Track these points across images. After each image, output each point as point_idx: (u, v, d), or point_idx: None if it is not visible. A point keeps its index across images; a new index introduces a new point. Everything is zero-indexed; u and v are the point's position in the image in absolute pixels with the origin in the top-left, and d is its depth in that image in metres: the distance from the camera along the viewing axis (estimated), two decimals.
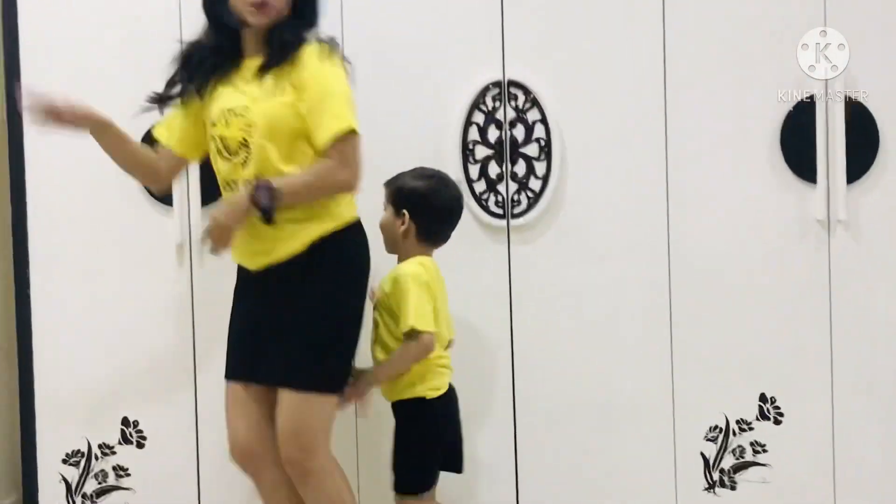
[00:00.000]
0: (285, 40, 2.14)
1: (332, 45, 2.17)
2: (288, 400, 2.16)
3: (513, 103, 2.65)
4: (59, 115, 2.11)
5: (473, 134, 2.65)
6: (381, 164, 2.54)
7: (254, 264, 2.20)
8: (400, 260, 2.41)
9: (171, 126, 2.28)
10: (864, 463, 2.74)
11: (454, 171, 2.67)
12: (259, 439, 2.23)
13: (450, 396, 2.42)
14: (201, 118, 2.24)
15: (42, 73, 2.71)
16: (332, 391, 2.21)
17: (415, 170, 2.49)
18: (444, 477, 2.52)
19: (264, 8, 2.12)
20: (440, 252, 2.53)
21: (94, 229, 2.73)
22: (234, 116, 2.14)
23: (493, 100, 2.65)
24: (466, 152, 2.65)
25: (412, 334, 2.26)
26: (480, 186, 2.66)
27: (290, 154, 2.13)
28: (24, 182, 2.75)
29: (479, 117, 2.65)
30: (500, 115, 2.65)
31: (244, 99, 2.15)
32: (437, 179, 2.43)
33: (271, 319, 2.19)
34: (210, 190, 2.50)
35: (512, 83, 2.65)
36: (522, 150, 2.67)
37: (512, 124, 2.66)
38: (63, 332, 2.77)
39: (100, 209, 2.72)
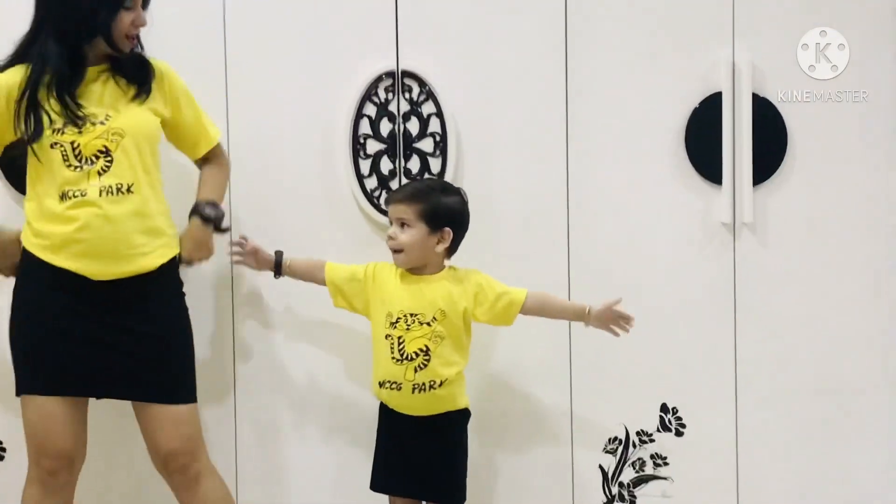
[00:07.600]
0: (144, 61, 2.45)
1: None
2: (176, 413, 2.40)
3: (407, 95, 2.61)
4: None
5: (365, 127, 2.62)
6: (264, 162, 2.60)
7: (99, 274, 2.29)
8: (418, 273, 2.43)
9: None
10: (768, 478, 2.73)
11: (344, 167, 2.63)
12: (80, 445, 2.42)
13: None
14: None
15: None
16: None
17: (434, 182, 2.56)
18: None
19: (134, 40, 2.44)
20: (326, 250, 2.55)
21: None
22: (90, 125, 2.27)
23: (386, 91, 2.61)
24: (357, 146, 2.61)
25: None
26: (372, 183, 2.60)
27: (152, 161, 2.32)
28: None
29: (370, 109, 2.62)
30: (393, 108, 2.61)
31: (104, 109, 2.31)
32: (461, 194, 2.52)
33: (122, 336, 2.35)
34: None
35: (406, 73, 2.62)
36: (416, 144, 2.63)
37: (406, 117, 2.62)
38: None
39: None
